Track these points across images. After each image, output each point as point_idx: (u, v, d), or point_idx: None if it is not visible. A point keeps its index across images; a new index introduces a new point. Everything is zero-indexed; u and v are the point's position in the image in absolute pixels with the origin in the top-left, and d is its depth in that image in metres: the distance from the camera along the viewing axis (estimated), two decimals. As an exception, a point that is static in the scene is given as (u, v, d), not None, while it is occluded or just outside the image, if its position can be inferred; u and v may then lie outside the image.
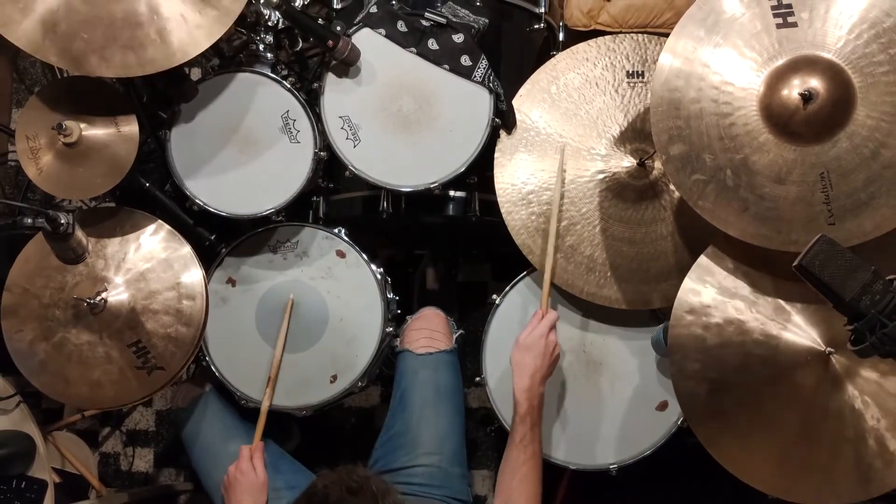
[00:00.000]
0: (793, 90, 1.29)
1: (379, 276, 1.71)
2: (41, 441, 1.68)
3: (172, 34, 1.37)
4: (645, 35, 1.64)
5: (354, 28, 1.62)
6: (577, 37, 1.79)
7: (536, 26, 1.77)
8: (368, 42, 1.61)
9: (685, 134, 1.35)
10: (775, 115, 1.31)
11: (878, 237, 1.30)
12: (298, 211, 1.80)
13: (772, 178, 1.32)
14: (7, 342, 1.52)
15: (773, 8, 1.32)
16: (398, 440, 1.61)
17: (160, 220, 1.57)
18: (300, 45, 1.82)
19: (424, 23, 1.62)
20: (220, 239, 1.71)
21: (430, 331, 1.73)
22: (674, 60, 1.36)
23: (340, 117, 1.62)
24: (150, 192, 1.64)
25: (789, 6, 1.32)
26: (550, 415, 1.63)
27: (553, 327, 1.46)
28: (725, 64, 1.34)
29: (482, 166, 1.63)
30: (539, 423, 1.41)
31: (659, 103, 1.37)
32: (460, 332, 1.80)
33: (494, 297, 1.68)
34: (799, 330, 1.36)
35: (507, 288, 1.68)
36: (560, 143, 1.60)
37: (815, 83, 1.29)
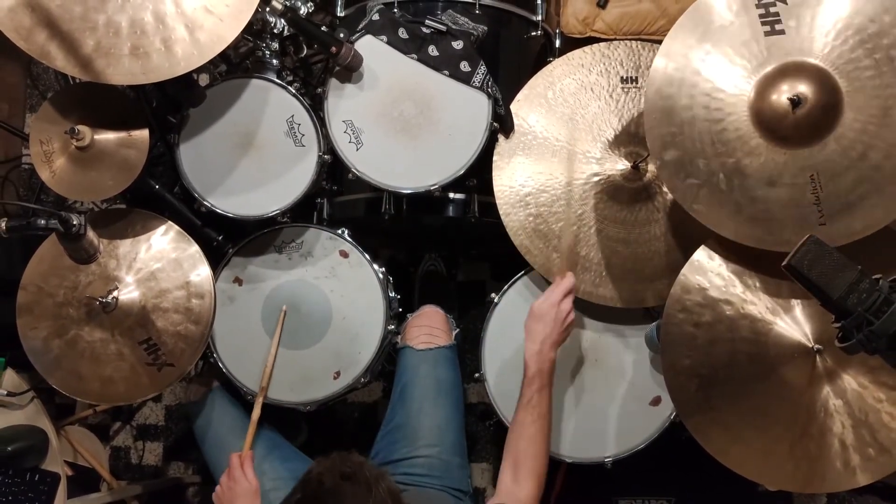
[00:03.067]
0: (782, 95, 1.29)
1: (381, 276, 1.71)
2: (54, 435, 1.68)
3: (177, 44, 1.36)
4: (639, 42, 1.64)
5: (357, 35, 1.62)
6: (572, 43, 1.79)
7: (533, 33, 1.77)
8: (371, 48, 1.61)
9: (679, 140, 1.35)
10: (766, 120, 1.31)
11: (864, 237, 1.30)
12: (303, 212, 1.80)
13: (763, 180, 1.32)
14: (22, 339, 1.52)
15: (760, 17, 1.32)
16: (399, 432, 1.61)
17: (170, 221, 1.57)
18: (305, 51, 1.83)
19: (425, 30, 1.62)
20: (227, 239, 1.71)
21: (430, 327, 1.74)
22: (666, 68, 1.36)
23: (344, 121, 1.62)
24: (159, 194, 1.64)
25: (777, 14, 1.32)
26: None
27: (568, 293, 1.45)
28: (716, 71, 1.34)
29: (481, 169, 1.63)
30: (548, 386, 1.40)
31: (653, 110, 1.37)
32: (459, 329, 1.80)
33: (493, 295, 1.68)
34: (788, 327, 1.37)
35: (506, 287, 1.68)
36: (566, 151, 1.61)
37: (804, 88, 1.29)
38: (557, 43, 1.83)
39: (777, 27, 1.32)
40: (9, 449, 1.60)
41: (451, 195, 1.72)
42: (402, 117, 1.62)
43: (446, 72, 1.61)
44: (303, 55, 1.84)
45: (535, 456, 1.35)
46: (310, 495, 1.10)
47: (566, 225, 1.56)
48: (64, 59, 1.35)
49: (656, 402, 1.62)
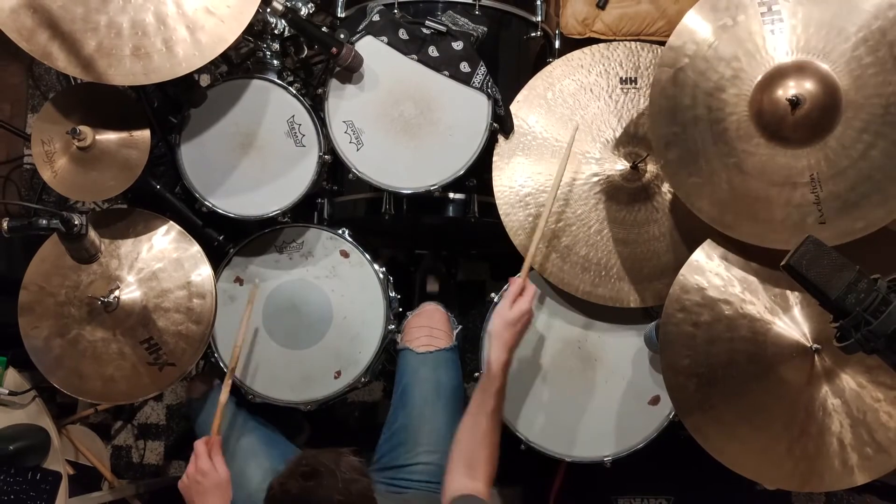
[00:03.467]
0: (782, 95, 1.29)
1: (381, 276, 1.71)
2: (56, 434, 1.68)
3: (178, 45, 1.37)
4: (638, 43, 1.64)
5: (357, 36, 1.62)
6: (572, 44, 1.79)
7: (533, 34, 1.77)
8: (371, 49, 1.61)
9: (681, 139, 1.36)
10: (766, 120, 1.31)
11: (863, 237, 1.30)
12: (304, 212, 1.80)
13: (764, 180, 1.32)
14: (24, 339, 1.52)
15: (762, 15, 1.32)
16: (399, 437, 1.60)
17: (171, 221, 1.57)
18: (305, 52, 1.83)
19: (425, 31, 1.62)
20: (228, 239, 1.71)
21: (430, 328, 1.73)
22: (669, 69, 1.36)
23: (344, 122, 1.62)
24: (160, 194, 1.64)
25: (778, 13, 1.32)
26: (548, 408, 1.63)
27: (533, 300, 1.44)
28: (718, 71, 1.34)
29: (481, 169, 1.63)
30: (504, 387, 1.39)
31: (656, 110, 1.37)
32: (460, 327, 1.80)
33: (493, 295, 1.68)
34: (786, 327, 1.37)
35: (506, 287, 1.68)
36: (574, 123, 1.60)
37: (803, 88, 1.29)
38: (557, 44, 1.83)
39: (779, 25, 1.32)
40: (10, 448, 1.60)
41: (451, 195, 1.72)
42: (402, 118, 1.62)
43: (446, 72, 1.61)
44: (303, 56, 1.83)
45: (489, 459, 1.34)
46: None
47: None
48: (65, 60, 1.35)
49: (655, 401, 1.62)
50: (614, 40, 1.72)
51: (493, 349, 1.39)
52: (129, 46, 1.36)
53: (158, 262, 1.54)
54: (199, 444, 1.41)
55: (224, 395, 1.51)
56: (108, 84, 1.36)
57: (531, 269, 1.53)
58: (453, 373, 1.68)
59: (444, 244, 2.20)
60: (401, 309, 1.81)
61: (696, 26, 1.36)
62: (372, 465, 1.60)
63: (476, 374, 1.66)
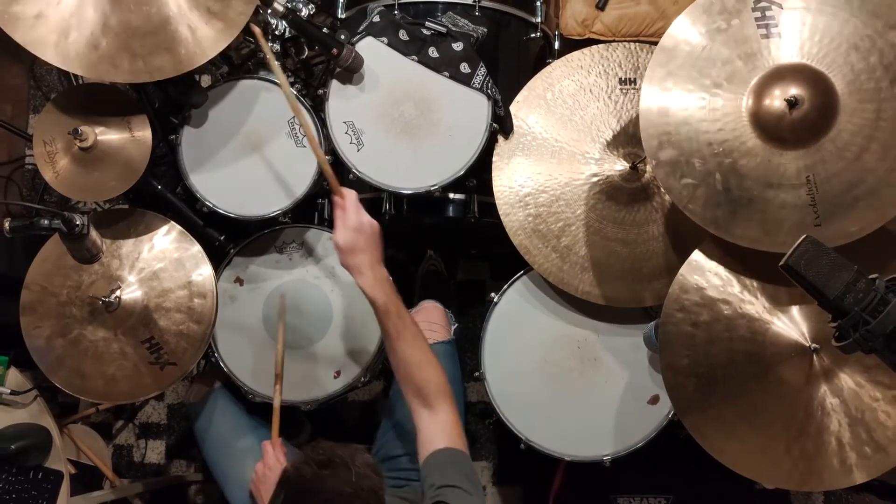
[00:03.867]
0: (778, 98, 1.29)
1: (382, 275, 1.71)
2: (57, 434, 1.68)
3: (180, 44, 1.37)
4: (637, 43, 1.65)
5: (358, 37, 1.63)
6: (571, 45, 1.79)
7: (533, 35, 1.77)
8: (371, 50, 1.61)
9: (675, 139, 1.36)
10: (762, 122, 1.31)
11: (861, 237, 1.30)
12: (304, 212, 1.80)
13: (759, 181, 1.33)
14: (26, 338, 1.52)
15: (756, 20, 1.33)
16: (399, 428, 1.61)
17: (172, 222, 1.57)
18: (306, 53, 1.83)
19: (425, 32, 1.62)
20: (228, 239, 1.71)
21: (428, 323, 1.74)
22: (662, 69, 1.36)
23: (344, 122, 1.63)
24: (161, 194, 1.64)
25: (772, 18, 1.32)
26: (547, 408, 1.63)
27: (358, 207, 1.33)
28: (712, 72, 1.34)
29: (481, 170, 1.63)
30: (401, 305, 1.31)
31: (649, 110, 1.37)
32: (458, 324, 1.80)
33: (493, 295, 1.68)
34: (785, 327, 1.37)
35: (505, 286, 1.68)
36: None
37: (800, 90, 1.29)
38: (556, 45, 1.83)
39: (773, 30, 1.32)
40: (12, 447, 1.60)
41: (452, 195, 1.72)
42: (402, 118, 1.62)
43: (446, 73, 1.61)
44: (304, 57, 1.84)
45: (432, 376, 1.30)
46: (294, 491, 1.10)
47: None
48: (74, 59, 1.35)
49: (654, 400, 1.62)
50: (613, 41, 1.72)
51: (355, 278, 1.32)
52: (134, 45, 1.36)
53: (159, 262, 1.54)
54: (267, 444, 1.49)
55: (277, 400, 1.57)
56: (110, 84, 1.37)
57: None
58: (451, 364, 1.69)
59: (445, 244, 2.20)
60: (401, 309, 1.81)
61: (688, 28, 1.36)
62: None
63: (476, 374, 1.66)
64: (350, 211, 1.32)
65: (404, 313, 1.32)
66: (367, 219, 1.33)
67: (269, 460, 1.47)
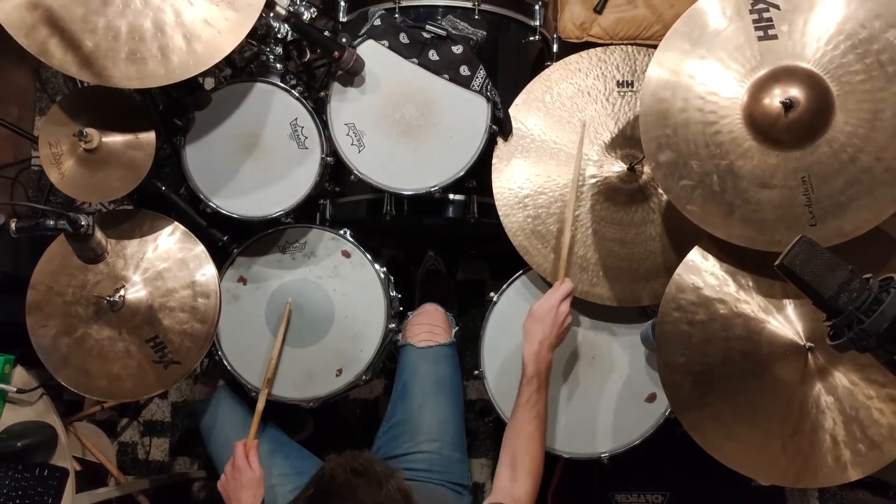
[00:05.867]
0: (774, 99, 1.29)
1: (382, 275, 1.71)
2: (62, 431, 1.68)
3: (174, 52, 1.36)
4: (634, 46, 1.64)
5: (359, 40, 1.63)
6: (570, 48, 1.80)
7: (532, 38, 1.77)
8: (372, 53, 1.62)
9: (673, 142, 1.36)
10: (758, 123, 1.31)
11: (855, 237, 1.30)
12: (306, 213, 1.80)
13: (756, 182, 1.33)
14: (32, 337, 1.52)
15: (754, 21, 1.33)
16: (400, 428, 1.62)
17: (176, 222, 1.57)
18: (308, 56, 1.83)
19: (426, 35, 1.62)
20: (231, 240, 1.71)
21: (430, 325, 1.74)
22: (661, 72, 1.36)
23: (346, 124, 1.63)
24: (166, 195, 1.64)
25: (770, 20, 1.32)
26: (547, 407, 1.63)
27: (566, 297, 1.45)
28: (710, 75, 1.34)
29: (480, 171, 1.63)
30: (545, 386, 1.40)
31: (648, 113, 1.37)
32: (459, 326, 1.80)
33: (492, 294, 1.68)
34: (780, 326, 1.37)
35: (504, 286, 1.68)
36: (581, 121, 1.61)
37: (796, 92, 1.29)
38: (555, 47, 1.83)
39: (770, 32, 1.32)
40: (18, 444, 1.60)
41: (451, 196, 1.72)
42: (403, 120, 1.62)
43: (446, 76, 1.61)
44: (306, 59, 1.84)
45: (532, 455, 1.35)
46: (322, 490, 1.11)
47: (564, 227, 1.55)
48: (62, 58, 1.35)
49: (652, 398, 1.62)
50: (611, 44, 1.72)
51: (524, 343, 1.42)
52: (126, 50, 1.35)
53: (164, 262, 1.54)
54: (238, 446, 1.51)
55: (260, 403, 1.59)
56: (105, 85, 1.36)
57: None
58: (452, 367, 1.70)
59: (445, 244, 2.20)
60: (401, 308, 1.81)
61: (687, 30, 1.36)
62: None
63: (475, 372, 1.66)
64: (558, 293, 1.45)
65: (544, 393, 1.40)
66: (565, 309, 1.45)
67: (238, 462, 1.48)
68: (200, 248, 1.56)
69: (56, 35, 1.34)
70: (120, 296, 1.49)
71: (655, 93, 1.36)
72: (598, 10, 1.80)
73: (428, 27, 1.62)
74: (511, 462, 1.35)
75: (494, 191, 1.63)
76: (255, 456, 1.50)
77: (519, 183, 1.62)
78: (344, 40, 1.60)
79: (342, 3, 1.77)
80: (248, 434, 1.57)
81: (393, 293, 1.74)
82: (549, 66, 1.68)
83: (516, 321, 1.64)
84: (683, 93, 1.35)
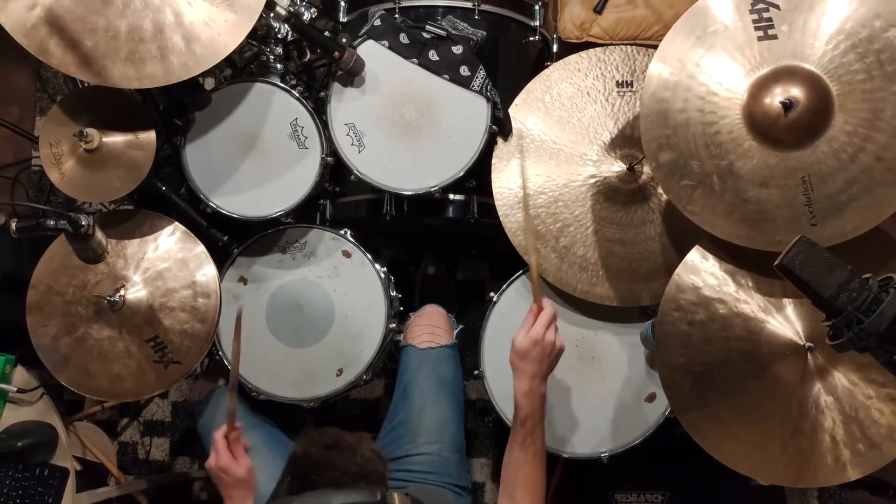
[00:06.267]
0: (774, 99, 1.29)
1: (382, 275, 1.71)
2: (63, 431, 1.68)
3: (172, 53, 1.36)
4: (634, 47, 1.64)
5: (359, 40, 1.63)
6: (570, 48, 1.79)
7: (531, 38, 1.77)
8: (372, 53, 1.62)
9: (673, 142, 1.36)
10: (758, 123, 1.31)
11: (855, 237, 1.30)
12: (306, 213, 1.80)
13: (756, 182, 1.33)
14: (32, 337, 1.52)
15: (754, 21, 1.33)
16: (400, 429, 1.62)
17: (176, 222, 1.57)
18: (308, 56, 1.83)
19: (426, 35, 1.62)
20: (232, 240, 1.71)
21: (431, 326, 1.74)
22: (661, 72, 1.36)
23: (346, 124, 1.63)
24: (166, 195, 1.64)
25: (770, 20, 1.32)
26: (546, 407, 1.63)
27: (550, 324, 1.32)
28: (710, 75, 1.34)
29: (480, 171, 1.63)
30: (541, 423, 1.31)
31: (648, 113, 1.37)
32: (460, 327, 1.80)
33: (492, 294, 1.68)
34: (780, 326, 1.37)
35: (504, 286, 1.68)
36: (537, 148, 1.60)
37: (795, 92, 1.29)
38: (555, 48, 1.83)
39: (770, 32, 1.32)
40: (19, 444, 1.60)
41: (451, 196, 1.72)
42: (403, 120, 1.62)
43: (446, 76, 1.61)
44: (306, 60, 1.84)
45: (531, 495, 1.29)
46: (301, 471, 1.11)
47: (531, 249, 1.47)
48: (61, 57, 1.35)
49: (651, 398, 1.62)
50: (611, 44, 1.72)
51: (514, 381, 1.32)
52: (125, 50, 1.35)
53: (164, 262, 1.54)
54: (218, 438, 1.35)
55: (231, 403, 1.39)
56: (103, 85, 1.37)
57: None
58: (454, 369, 1.70)
59: (445, 244, 2.20)
60: (402, 308, 1.81)
61: (687, 30, 1.36)
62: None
63: (475, 372, 1.66)
64: (539, 323, 1.31)
65: (539, 432, 1.31)
66: (551, 338, 1.31)
67: (221, 461, 1.33)
68: (201, 248, 1.56)
69: (56, 34, 1.34)
70: (120, 296, 1.49)
71: (655, 93, 1.36)
72: (598, 10, 1.80)
73: (428, 27, 1.62)
74: (511, 497, 1.30)
75: (494, 191, 1.63)
76: (238, 445, 1.36)
77: (519, 183, 1.62)
78: (344, 40, 1.60)
79: (342, 4, 1.77)
80: (248, 436, 1.55)
81: (393, 293, 1.74)
82: (548, 66, 1.67)
83: (516, 321, 1.62)
84: (683, 93, 1.35)
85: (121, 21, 1.36)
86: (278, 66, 1.71)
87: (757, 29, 1.32)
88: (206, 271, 1.55)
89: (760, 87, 1.31)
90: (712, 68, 1.34)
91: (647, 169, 1.57)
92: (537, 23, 1.77)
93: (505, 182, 1.63)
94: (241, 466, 1.34)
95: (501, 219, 1.62)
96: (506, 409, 1.63)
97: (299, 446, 1.14)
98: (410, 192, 1.62)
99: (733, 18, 1.33)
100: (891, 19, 1.27)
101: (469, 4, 1.67)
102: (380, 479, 1.08)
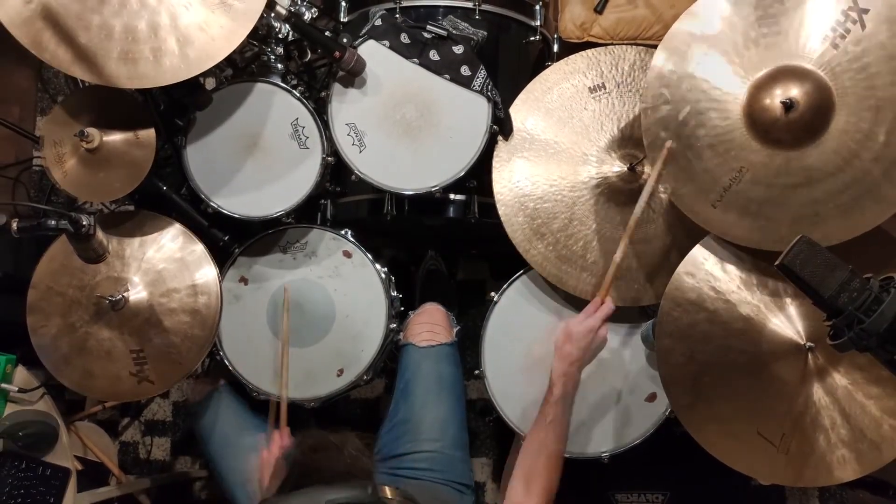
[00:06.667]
0: (775, 99, 1.29)
1: (383, 275, 1.71)
2: (64, 431, 1.68)
3: (166, 55, 1.36)
4: (635, 47, 1.64)
5: (360, 40, 1.63)
6: (570, 48, 1.79)
7: (532, 38, 1.77)
8: (373, 53, 1.62)
9: (674, 142, 1.36)
10: (759, 123, 1.31)
11: (856, 237, 1.30)
12: (307, 213, 1.80)
13: (756, 182, 1.33)
14: (32, 337, 1.52)
15: (757, 19, 1.33)
16: (401, 428, 1.61)
17: (177, 223, 1.57)
18: (309, 56, 1.83)
19: (426, 35, 1.62)
20: (233, 240, 1.71)
21: (431, 325, 1.74)
22: (662, 72, 1.36)
23: (347, 124, 1.63)
24: (167, 195, 1.64)
25: (772, 18, 1.32)
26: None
27: (606, 319, 1.41)
28: (712, 74, 1.34)
29: (481, 171, 1.63)
30: (570, 407, 1.38)
31: (649, 113, 1.37)
32: (460, 326, 1.80)
33: (492, 294, 1.68)
34: (781, 325, 1.37)
35: (505, 286, 1.68)
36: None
37: (796, 92, 1.29)
38: (555, 48, 1.83)
39: (772, 30, 1.32)
40: (20, 434, 1.60)
41: (452, 196, 1.72)
42: (403, 120, 1.62)
43: (447, 76, 1.61)
44: (307, 60, 1.84)
45: (550, 476, 1.33)
46: (291, 474, 1.11)
47: (620, 244, 1.47)
48: (54, 52, 1.35)
49: (652, 398, 1.62)
50: (612, 44, 1.72)
51: (554, 360, 1.39)
52: (118, 50, 1.35)
53: (165, 263, 1.54)
54: (275, 434, 1.50)
55: (284, 391, 1.59)
56: (93, 82, 1.36)
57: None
58: (454, 367, 1.70)
59: (445, 244, 2.20)
60: (402, 308, 1.81)
61: (688, 29, 1.36)
62: (374, 457, 1.60)
63: (476, 372, 1.66)
64: (596, 316, 1.41)
65: (568, 413, 1.38)
66: (604, 333, 1.41)
67: (275, 449, 1.46)
68: (201, 249, 1.56)
69: (50, 29, 1.34)
70: (121, 296, 1.49)
71: (657, 93, 1.36)
72: (599, 10, 1.80)
73: (429, 27, 1.62)
74: (527, 477, 1.33)
75: (495, 191, 1.63)
76: (289, 443, 1.48)
77: (519, 183, 1.62)
78: (345, 40, 1.60)
79: (343, 4, 1.77)
80: (249, 437, 1.58)
81: (394, 293, 1.74)
82: (549, 66, 1.67)
83: (517, 321, 1.64)
84: (685, 93, 1.35)
85: (115, 20, 1.35)
86: (279, 66, 1.71)
87: (761, 27, 1.32)
88: (207, 271, 1.55)
89: (761, 87, 1.31)
90: (713, 68, 1.34)
91: (647, 169, 1.57)
92: (538, 23, 1.77)
93: (505, 182, 1.63)
94: None
95: (502, 218, 1.61)
96: (506, 409, 1.63)
97: (283, 454, 1.16)
98: (411, 192, 1.62)
99: (735, 17, 1.33)
100: (891, 17, 1.26)
101: (470, 4, 1.67)
102: (368, 475, 1.09)
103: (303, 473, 1.08)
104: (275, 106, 1.64)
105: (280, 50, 1.71)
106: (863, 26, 1.27)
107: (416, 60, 1.62)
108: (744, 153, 1.32)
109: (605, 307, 1.42)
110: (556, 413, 1.36)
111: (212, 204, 1.63)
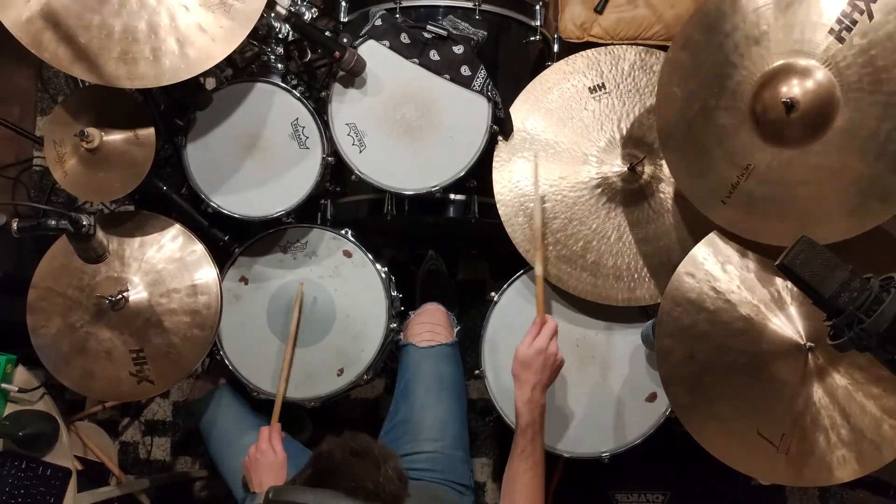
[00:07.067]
0: (779, 96, 1.29)
1: (383, 275, 1.71)
2: (65, 431, 1.68)
3: (166, 55, 1.36)
4: (635, 46, 1.64)
5: (360, 40, 1.63)
6: (570, 48, 1.79)
7: (532, 38, 1.77)
8: (373, 53, 1.62)
9: (687, 144, 1.36)
10: (764, 120, 1.31)
11: (856, 237, 1.30)
12: (307, 213, 1.80)
13: (760, 180, 1.32)
14: (32, 337, 1.52)
15: (761, 18, 1.32)
16: (402, 428, 1.61)
17: (177, 223, 1.57)
18: (309, 56, 1.83)
19: (426, 35, 1.62)
20: (233, 239, 1.71)
21: (432, 325, 1.74)
22: (672, 72, 1.36)
23: (347, 124, 1.63)
24: (167, 195, 1.64)
25: (774, 16, 1.31)
26: (546, 405, 1.63)
27: (553, 336, 1.41)
28: (715, 74, 1.34)
29: (481, 171, 1.63)
30: (540, 433, 1.37)
31: (663, 109, 1.37)
32: (460, 326, 1.80)
33: (493, 294, 1.68)
34: (781, 325, 1.37)
35: (505, 286, 1.68)
36: (533, 153, 1.61)
37: (798, 90, 1.28)
38: (556, 48, 1.83)
39: (775, 28, 1.31)
40: (20, 434, 1.60)
41: (452, 196, 1.72)
42: (404, 120, 1.62)
43: (447, 76, 1.61)
44: (307, 60, 1.83)
45: (525, 496, 1.33)
46: (321, 470, 1.10)
47: (538, 260, 1.50)
48: (54, 51, 1.35)
49: (652, 398, 1.62)
50: (612, 44, 1.72)
51: (515, 389, 1.39)
52: (118, 49, 1.35)
53: (165, 263, 1.54)
54: (263, 430, 1.53)
55: (282, 386, 1.63)
56: (92, 82, 1.36)
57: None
58: (454, 367, 1.70)
59: (445, 244, 2.20)
60: (402, 308, 1.81)
61: (696, 28, 1.36)
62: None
63: (476, 372, 1.66)
64: (542, 335, 1.40)
65: (538, 441, 1.37)
66: (554, 349, 1.40)
67: (262, 445, 1.49)
68: (201, 249, 1.56)
69: (50, 29, 1.34)
70: (121, 296, 1.49)
71: (668, 93, 1.36)
72: (599, 10, 1.80)
73: (429, 27, 1.62)
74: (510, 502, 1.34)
75: (495, 190, 1.63)
76: (278, 439, 1.51)
77: (519, 182, 1.62)
78: (345, 40, 1.60)
79: (343, 4, 1.77)
80: (249, 435, 1.57)
81: (394, 293, 1.74)
82: (549, 66, 1.67)
83: (517, 321, 1.64)
84: (692, 92, 1.35)
85: (115, 20, 1.35)
86: (279, 65, 1.71)
87: (762, 26, 1.31)
88: (207, 271, 1.55)
89: (766, 85, 1.30)
90: (718, 68, 1.33)
91: (648, 168, 1.57)
92: (538, 23, 1.77)
93: (506, 182, 1.63)
94: (277, 453, 1.49)
95: (502, 218, 1.61)
96: (507, 409, 1.63)
97: (328, 444, 1.13)
98: (411, 192, 1.62)
99: (737, 16, 1.32)
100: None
101: (470, 4, 1.67)
102: (395, 501, 1.08)
103: (329, 470, 1.07)
104: (275, 106, 1.64)
105: (280, 50, 1.71)
106: (870, 16, 1.25)
107: (416, 60, 1.62)
108: (750, 152, 1.32)
109: (548, 326, 1.41)
110: (525, 444, 1.35)
111: (212, 204, 1.63)
